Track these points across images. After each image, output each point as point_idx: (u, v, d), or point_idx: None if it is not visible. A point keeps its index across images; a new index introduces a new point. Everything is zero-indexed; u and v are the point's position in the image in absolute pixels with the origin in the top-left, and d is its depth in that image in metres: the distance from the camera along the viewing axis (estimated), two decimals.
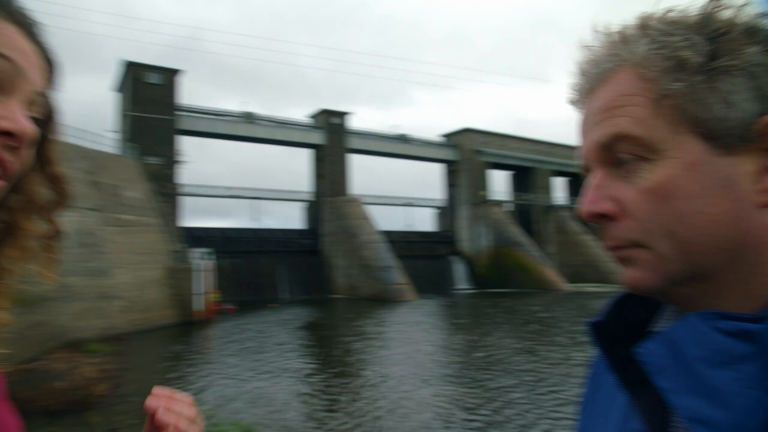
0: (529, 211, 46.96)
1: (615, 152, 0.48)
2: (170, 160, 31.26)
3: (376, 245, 35.28)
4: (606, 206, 0.49)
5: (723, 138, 0.45)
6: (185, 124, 33.39)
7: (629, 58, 0.48)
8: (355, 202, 38.53)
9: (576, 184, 51.33)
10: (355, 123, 42.98)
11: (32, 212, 0.61)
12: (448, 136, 47.28)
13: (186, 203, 34.56)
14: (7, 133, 0.50)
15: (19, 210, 0.59)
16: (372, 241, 35.51)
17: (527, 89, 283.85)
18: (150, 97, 31.22)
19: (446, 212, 47.29)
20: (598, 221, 0.50)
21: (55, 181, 0.63)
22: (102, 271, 19.47)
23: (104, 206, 21.44)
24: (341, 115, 40.83)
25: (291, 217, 52.03)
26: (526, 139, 49.67)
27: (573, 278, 40.02)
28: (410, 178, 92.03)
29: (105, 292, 19.19)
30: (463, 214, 44.70)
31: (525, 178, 48.34)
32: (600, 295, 30.51)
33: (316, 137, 39.63)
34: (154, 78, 31.70)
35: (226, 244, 33.39)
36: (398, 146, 44.17)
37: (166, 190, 29.66)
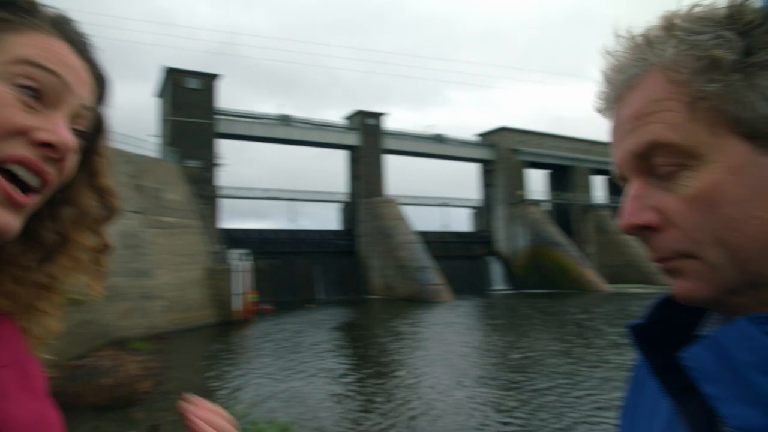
0: (567, 211, 46.02)
1: (651, 161, 0.46)
2: (209, 163, 31.98)
3: (412, 246, 35.18)
4: (648, 217, 0.46)
5: None
6: (223, 128, 34.07)
7: (657, 62, 0.46)
8: (391, 202, 38.51)
9: (616, 182, 49.88)
10: (390, 124, 43.22)
11: (84, 225, 0.63)
12: (484, 135, 46.83)
13: (225, 205, 35.29)
14: (49, 145, 0.51)
15: (71, 222, 0.61)
16: (408, 241, 35.42)
17: (564, 86, 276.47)
18: (189, 102, 32.01)
19: (482, 212, 46.79)
20: (640, 233, 0.48)
21: (103, 194, 0.64)
22: (144, 271, 20.03)
23: (146, 209, 22.05)
24: (376, 116, 40.91)
25: (327, 218, 52.33)
26: (564, 137, 48.68)
27: (614, 279, 39.01)
28: (446, 178, 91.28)
29: (147, 292, 19.75)
30: (500, 213, 44.16)
31: (563, 176, 47.39)
32: (642, 296, 29.54)
33: (352, 138, 39.85)
34: (193, 83, 32.50)
35: (263, 245, 33.81)
36: (434, 146, 43.97)
37: (205, 192, 30.33)
